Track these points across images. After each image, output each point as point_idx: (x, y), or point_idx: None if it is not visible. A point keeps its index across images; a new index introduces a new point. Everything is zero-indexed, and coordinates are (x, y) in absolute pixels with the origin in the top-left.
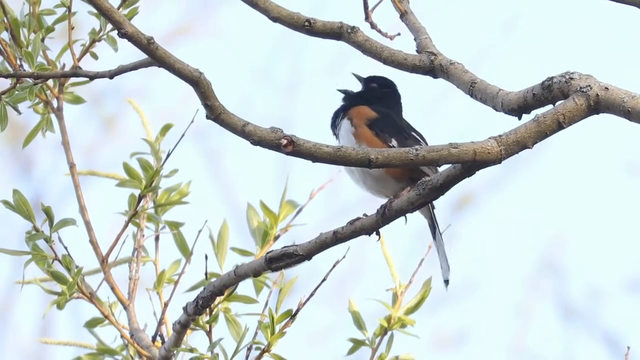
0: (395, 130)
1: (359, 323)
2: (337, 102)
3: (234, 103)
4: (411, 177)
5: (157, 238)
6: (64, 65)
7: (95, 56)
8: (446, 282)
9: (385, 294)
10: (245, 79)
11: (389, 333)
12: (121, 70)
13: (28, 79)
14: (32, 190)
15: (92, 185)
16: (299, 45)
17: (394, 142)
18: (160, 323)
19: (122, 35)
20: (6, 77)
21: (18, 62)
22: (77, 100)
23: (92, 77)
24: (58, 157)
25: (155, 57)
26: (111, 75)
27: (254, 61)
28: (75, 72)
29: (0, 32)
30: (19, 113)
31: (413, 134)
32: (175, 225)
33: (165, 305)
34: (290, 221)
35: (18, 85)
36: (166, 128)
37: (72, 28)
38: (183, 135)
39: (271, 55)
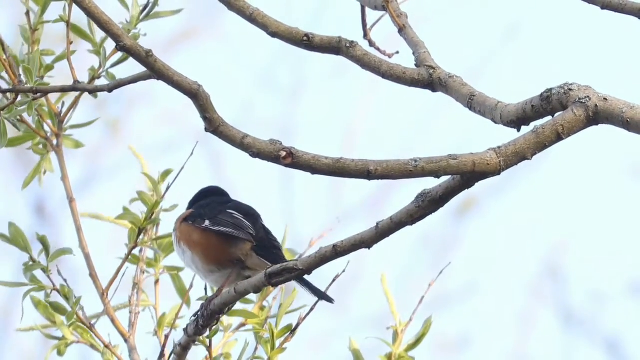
0: (208, 212)
1: None
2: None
3: (237, 108)
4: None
5: (156, 282)
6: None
7: (95, 96)
8: None
9: (386, 332)
10: (248, 84)
11: None
12: (120, 84)
13: (27, 94)
14: (34, 196)
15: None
16: (302, 51)
17: (206, 223)
18: (162, 355)
19: (121, 48)
20: (5, 92)
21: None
22: (77, 145)
23: (91, 91)
24: (59, 166)
25: (154, 69)
26: (110, 89)
27: (257, 66)
28: (74, 86)
29: (1, 71)
30: (19, 130)
31: (229, 210)
32: (174, 270)
33: (166, 337)
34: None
35: (17, 101)
36: (166, 174)
37: (71, 42)
38: (182, 168)
39: (274, 60)
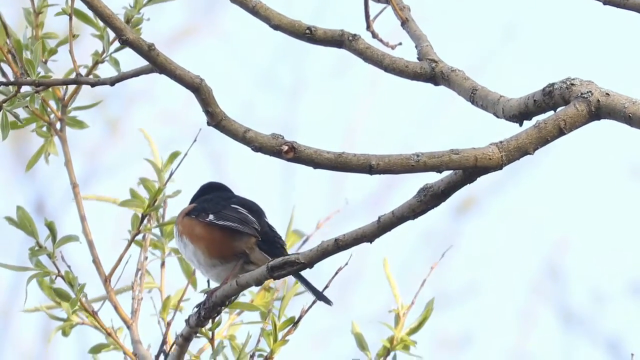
0: (212, 207)
1: (361, 345)
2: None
3: (238, 106)
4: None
5: (162, 264)
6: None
7: (97, 77)
8: None
9: (388, 315)
10: (248, 82)
11: (392, 354)
12: (122, 77)
13: (29, 87)
14: (35, 192)
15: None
16: (303, 48)
17: (210, 217)
18: (164, 342)
19: (123, 42)
20: (7, 84)
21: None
22: (80, 125)
23: (93, 84)
24: (61, 157)
25: (156, 63)
26: (112, 82)
27: (258, 64)
28: (76, 79)
29: (5, 53)
30: (20, 122)
31: (233, 205)
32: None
33: (168, 324)
34: (297, 250)
35: (19, 93)
36: (174, 155)
37: (74, 36)
38: (186, 154)
39: (275, 58)
